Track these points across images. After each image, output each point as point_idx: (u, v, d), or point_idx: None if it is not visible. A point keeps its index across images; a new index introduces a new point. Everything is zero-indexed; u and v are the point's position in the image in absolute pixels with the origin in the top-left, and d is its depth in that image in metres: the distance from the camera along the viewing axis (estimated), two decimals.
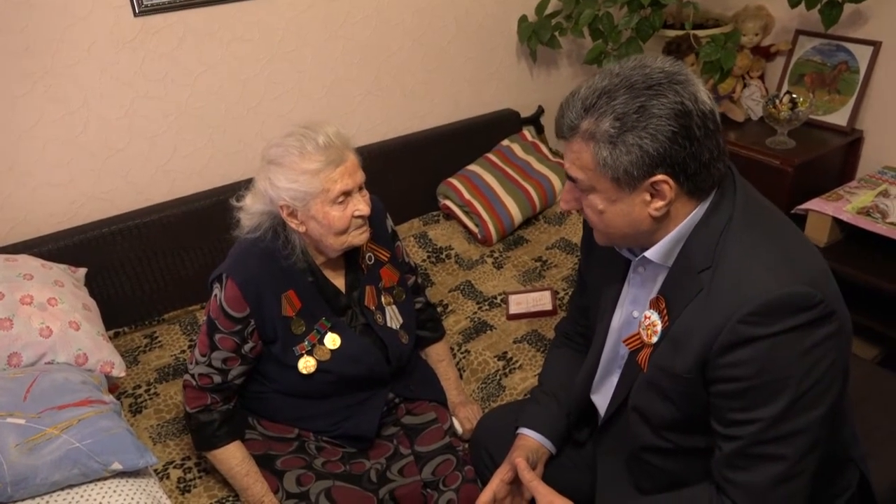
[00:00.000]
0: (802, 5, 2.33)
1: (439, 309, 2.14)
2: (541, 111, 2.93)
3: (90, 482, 1.39)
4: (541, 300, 2.15)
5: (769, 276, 1.01)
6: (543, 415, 1.43)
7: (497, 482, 1.35)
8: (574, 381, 1.39)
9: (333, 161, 1.45)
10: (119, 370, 1.74)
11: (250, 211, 1.55)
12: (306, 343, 1.56)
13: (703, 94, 1.04)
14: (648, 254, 1.13)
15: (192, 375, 1.56)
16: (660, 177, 1.04)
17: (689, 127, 1.01)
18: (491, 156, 2.66)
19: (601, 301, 1.30)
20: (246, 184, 1.58)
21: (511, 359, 1.95)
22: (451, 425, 1.71)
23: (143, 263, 2.09)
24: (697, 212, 1.09)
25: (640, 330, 1.17)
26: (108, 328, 1.93)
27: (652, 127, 1.01)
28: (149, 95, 2.10)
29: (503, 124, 2.77)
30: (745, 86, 2.69)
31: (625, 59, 1.08)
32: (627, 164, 1.03)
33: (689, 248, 1.09)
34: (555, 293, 2.17)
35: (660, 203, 1.06)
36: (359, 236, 1.53)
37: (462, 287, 2.27)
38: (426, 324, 1.85)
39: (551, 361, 1.55)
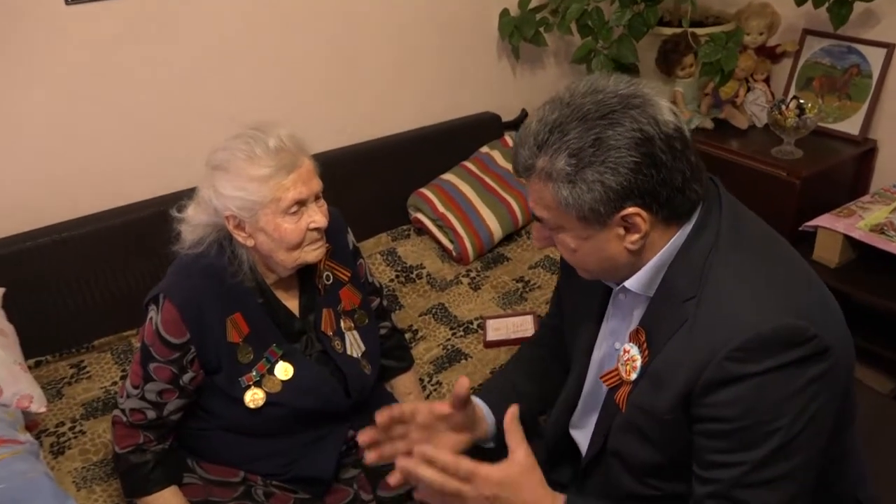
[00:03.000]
0: (809, 3, 2.37)
1: (408, 335, 2.13)
2: (524, 115, 2.95)
3: None
4: (522, 325, 2.15)
5: (758, 307, 1.01)
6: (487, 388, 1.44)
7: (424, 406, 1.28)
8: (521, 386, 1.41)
9: (286, 166, 1.44)
10: (39, 405, 1.71)
11: (193, 223, 1.54)
12: (254, 373, 1.54)
13: (666, 113, 1.04)
14: (628, 284, 1.14)
15: (123, 410, 1.53)
16: (630, 210, 1.04)
17: (652, 154, 1.02)
18: (468, 164, 2.67)
19: (581, 329, 1.31)
20: (191, 193, 1.57)
21: None
22: None
23: (70, 282, 2.06)
24: (679, 236, 1.10)
25: (619, 365, 1.18)
26: (27, 357, 1.90)
27: (611, 160, 1.01)
28: (83, 94, 2.08)
29: (482, 129, 2.78)
30: (748, 90, 2.73)
31: (575, 82, 1.09)
32: (591, 201, 1.04)
33: (672, 276, 1.10)
34: (538, 318, 2.17)
35: (635, 237, 1.07)
36: (313, 252, 1.52)
37: (434, 310, 2.26)
38: (392, 352, 1.84)
39: (503, 372, 1.54)
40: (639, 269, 1.12)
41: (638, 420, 1.14)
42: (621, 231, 1.07)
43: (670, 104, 1.07)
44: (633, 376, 1.14)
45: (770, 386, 1.00)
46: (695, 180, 1.07)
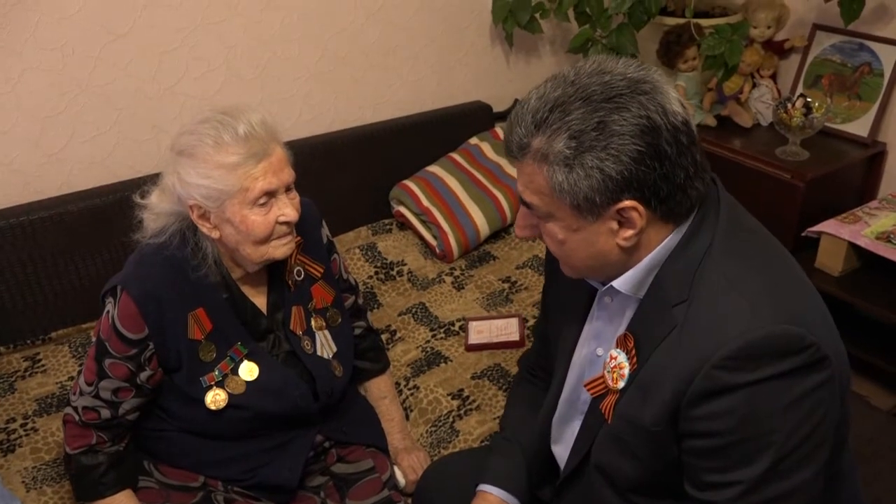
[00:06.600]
0: None
1: (385, 336, 2.13)
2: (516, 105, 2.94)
3: None
4: (506, 329, 2.14)
5: (752, 313, 1.01)
6: (506, 467, 1.42)
7: None
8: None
9: (255, 154, 1.43)
10: None
11: (156, 211, 1.53)
12: (216, 373, 1.53)
13: (675, 103, 1.04)
14: (616, 283, 1.14)
15: (76, 409, 1.52)
16: (627, 203, 1.04)
17: (657, 145, 1.01)
18: (455, 156, 2.66)
19: (562, 334, 1.30)
20: (156, 178, 1.55)
21: (468, 398, 1.94)
22: (392, 476, 1.70)
23: (27, 270, 2.05)
24: (673, 237, 1.10)
25: (605, 373, 1.17)
26: None
27: (614, 147, 1.01)
28: (42, 67, 2.06)
29: (472, 119, 2.77)
30: (753, 86, 2.73)
31: (582, 61, 1.08)
32: (587, 189, 1.03)
33: (663, 279, 1.10)
34: (523, 321, 2.17)
35: (629, 232, 1.07)
36: (282, 247, 1.51)
37: (414, 310, 2.26)
38: (367, 353, 1.84)
39: (513, 402, 1.54)
40: (629, 268, 1.12)
41: (624, 432, 1.13)
42: (615, 225, 1.07)
43: (678, 95, 1.06)
44: (621, 385, 1.14)
45: (763, 397, 0.99)
46: (697, 179, 1.07)
